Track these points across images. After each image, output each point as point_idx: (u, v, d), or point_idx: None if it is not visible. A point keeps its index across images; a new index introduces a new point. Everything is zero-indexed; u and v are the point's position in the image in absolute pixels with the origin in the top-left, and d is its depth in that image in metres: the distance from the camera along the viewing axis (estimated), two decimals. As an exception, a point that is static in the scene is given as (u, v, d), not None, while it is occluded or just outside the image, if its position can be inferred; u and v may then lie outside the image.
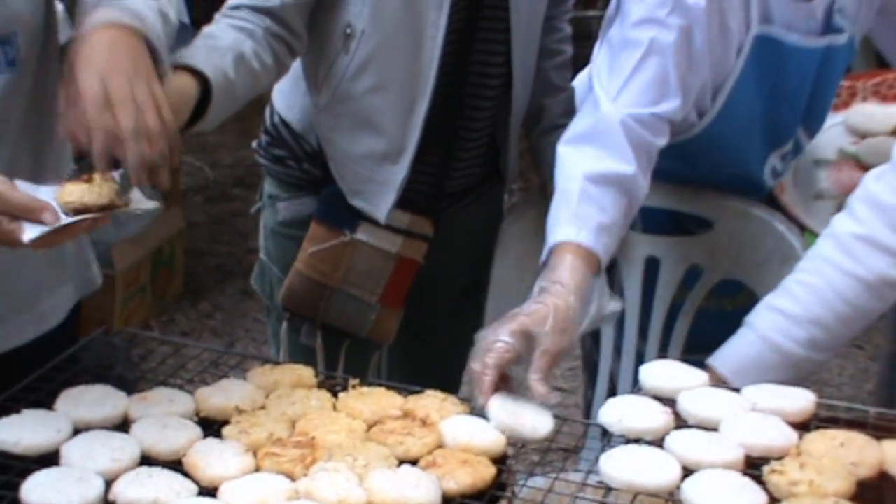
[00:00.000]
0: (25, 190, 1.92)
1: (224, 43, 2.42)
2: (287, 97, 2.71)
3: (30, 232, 1.87)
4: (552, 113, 2.79)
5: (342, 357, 2.67)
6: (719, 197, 2.80)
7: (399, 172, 2.56)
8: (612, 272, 2.79)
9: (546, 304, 2.14)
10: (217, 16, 2.53)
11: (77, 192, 1.91)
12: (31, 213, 1.87)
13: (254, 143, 2.80)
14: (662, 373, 2.17)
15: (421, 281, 2.68)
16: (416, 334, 2.80)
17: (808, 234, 2.89)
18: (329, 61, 2.57)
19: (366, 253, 2.57)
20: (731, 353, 2.35)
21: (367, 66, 2.54)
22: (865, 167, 2.89)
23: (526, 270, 2.81)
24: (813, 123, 2.85)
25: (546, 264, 2.27)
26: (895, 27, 2.90)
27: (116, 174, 1.94)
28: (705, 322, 2.83)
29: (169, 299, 5.23)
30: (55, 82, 2.15)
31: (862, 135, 3.09)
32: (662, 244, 2.83)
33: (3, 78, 2.12)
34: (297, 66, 2.67)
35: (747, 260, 2.75)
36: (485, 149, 2.75)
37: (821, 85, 2.76)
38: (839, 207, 2.67)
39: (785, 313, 2.33)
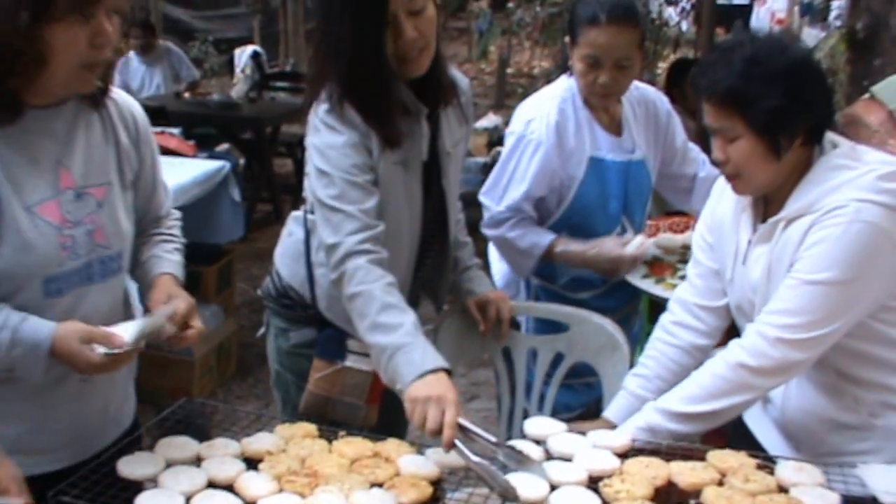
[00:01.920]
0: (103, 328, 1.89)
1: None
2: (290, 268, 2.55)
3: (102, 350, 1.85)
4: (463, 259, 2.73)
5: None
6: (573, 311, 2.84)
7: None
8: (508, 359, 2.83)
9: None
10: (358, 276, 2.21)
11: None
12: (108, 341, 1.85)
13: (259, 291, 2.67)
14: (538, 425, 2.19)
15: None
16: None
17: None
18: None
19: (353, 374, 2.49)
20: (614, 407, 2.39)
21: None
22: (668, 265, 3.15)
23: (456, 363, 2.83)
24: (632, 216, 3.05)
25: None
26: (669, 184, 3.25)
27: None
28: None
29: (228, 376, 5.19)
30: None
31: (665, 249, 3.25)
32: (538, 340, 2.84)
33: (111, 281, 2.05)
34: (296, 246, 2.51)
35: (591, 349, 2.77)
36: (423, 291, 2.70)
37: (630, 187, 2.99)
38: (656, 282, 3.03)
39: (641, 376, 2.40)
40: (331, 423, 2.41)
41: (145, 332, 1.91)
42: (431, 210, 2.49)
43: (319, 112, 2.29)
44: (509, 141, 2.94)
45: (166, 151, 5.67)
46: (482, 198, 3.00)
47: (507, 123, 3.35)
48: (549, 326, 2.89)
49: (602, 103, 2.91)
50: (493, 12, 18.48)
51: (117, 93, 2.08)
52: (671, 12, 13.66)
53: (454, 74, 2.50)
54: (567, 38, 2.89)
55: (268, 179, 8.21)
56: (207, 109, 7.87)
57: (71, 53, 1.78)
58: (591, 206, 2.94)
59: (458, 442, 1.92)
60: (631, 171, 2.96)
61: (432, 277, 2.66)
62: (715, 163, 2.20)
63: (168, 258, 2.20)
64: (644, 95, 3.04)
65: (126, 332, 1.89)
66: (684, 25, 13.90)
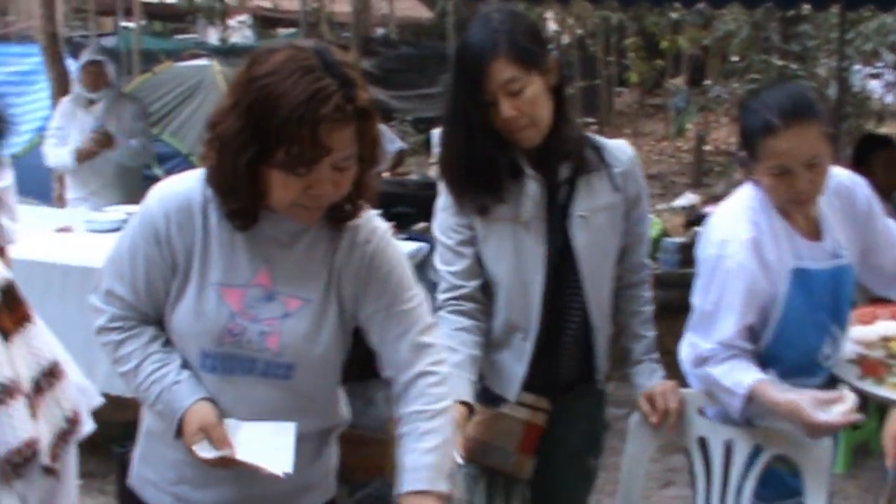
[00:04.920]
0: (229, 425, 1.95)
1: (462, 355, 2.49)
2: None
3: (207, 451, 1.91)
4: (636, 351, 2.74)
5: (499, 486, 2.67)
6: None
7: (520, 370, 2.61)
8: (705, 451, 2.76)
9: None
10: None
11: None
12: (217, 443, 1.92)
13: None
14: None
15: (548, 443, 2.64)
16: (546, 483, 2.74)
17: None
18: None
19: (507, 420, 2.59)
20: None
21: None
22: (878, 362, 2.80)
23: (651, 448, 2.82)
24: (841, 321, 2.78)
25: None
26: (872, 272, 2.91)
27: None
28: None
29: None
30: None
31: (864, 344, 2.83)
32: (734, 431, 2.74)
33: (275, 383, 2.04)
34: None
35: (790, 442, 2.66)
36: (580, 354, 2.70)
37: (839, 293, 2.74)
38: (874, 382, 2.72)
39: None
40: (485, 467, 2.56)
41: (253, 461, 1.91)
42: (566, 272, 2.61)
43: None
44: (705, 267, 2.72)
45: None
46: (690, 335, 2.75)
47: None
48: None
49: (803, 210, 2.71)
50: (690, 89, 18.34)
51: (382, 224, 2.12)
52: (875, 85, 13.24)
53: (609, 144, 2.67)
54: (742, 153, 2.71)
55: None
56: (405, 189, 8.04)
57: (283, 196, 1.90)
58: (800, 322, 2.71)
59: None
60: (838, 277, 2.75)
61: (574, 347, 2.70)
62: None
63: (424, 463, 2.02)
64: (839, 184, 2.78)
65: (249, 441, 1.94)
66: (889, 98, 13.43)
